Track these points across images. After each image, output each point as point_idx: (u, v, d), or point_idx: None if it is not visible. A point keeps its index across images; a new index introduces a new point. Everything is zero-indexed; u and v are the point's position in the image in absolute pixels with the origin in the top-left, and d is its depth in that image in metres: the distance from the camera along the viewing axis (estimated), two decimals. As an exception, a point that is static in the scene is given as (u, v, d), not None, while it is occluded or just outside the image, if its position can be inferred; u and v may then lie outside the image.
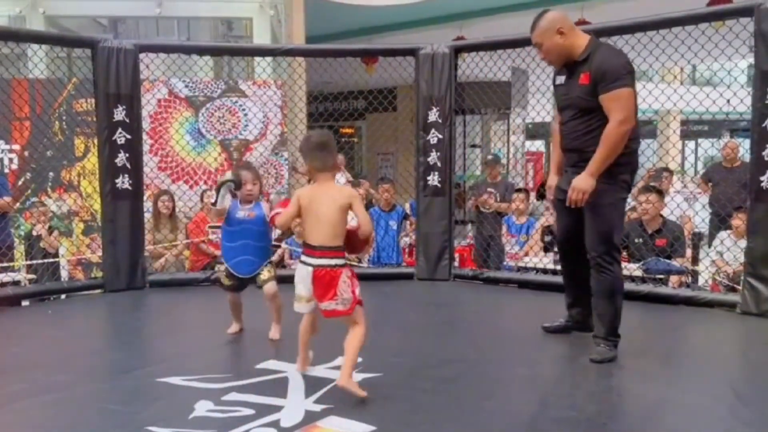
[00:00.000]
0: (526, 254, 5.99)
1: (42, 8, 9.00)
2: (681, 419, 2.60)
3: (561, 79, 3.47)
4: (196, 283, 5.53)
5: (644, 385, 2.96)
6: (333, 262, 2.75)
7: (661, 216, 5.40)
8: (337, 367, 3.13)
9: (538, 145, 18.93)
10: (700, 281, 5.45)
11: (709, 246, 5.93)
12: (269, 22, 9.42)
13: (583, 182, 3.23)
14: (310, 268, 2.77)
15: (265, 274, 3.67)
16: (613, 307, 3.37)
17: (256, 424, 2.45)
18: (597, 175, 3.23)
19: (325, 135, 2.94)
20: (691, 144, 22.97)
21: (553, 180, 3.65)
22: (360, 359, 3.19)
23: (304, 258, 2.82)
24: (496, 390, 2.93)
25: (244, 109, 7.59)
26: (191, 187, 7.40)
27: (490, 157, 7.51)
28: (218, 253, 6.49)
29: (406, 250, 6.90)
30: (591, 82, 3.25)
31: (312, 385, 2.88)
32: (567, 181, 3.40)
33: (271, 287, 3.65)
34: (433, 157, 5.50)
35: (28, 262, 5.84)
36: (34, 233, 6.10)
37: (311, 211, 2.81)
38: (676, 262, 5.16)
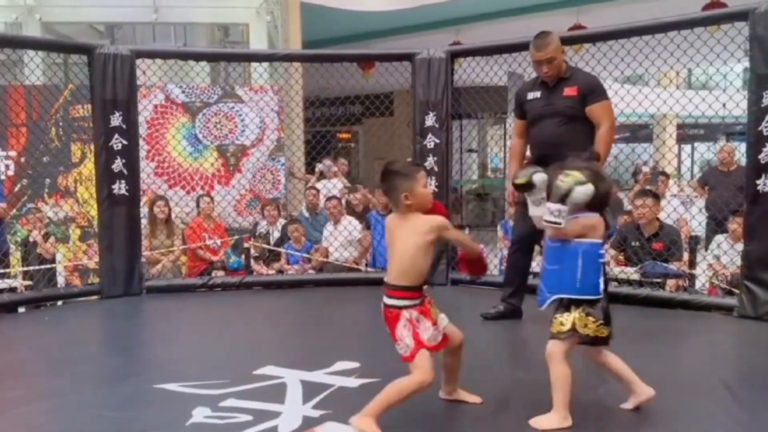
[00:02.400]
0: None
1: (38, 15, 9.01)
2: (679, 422, 2.60)
3: (535, 94, 4.02)
4: (193, 289, 5.52)
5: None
6: (393, 302, 2.49)
7: (658, 220, 5.41)
8: (336, 372, 3.13)
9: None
10: (698, 285, 5.45)
11: (706, 249, 5.93)
12: (266, 27, 9.44)
13: None
14: (382, 306, 2.53)
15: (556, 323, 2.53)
16: None
17: (254, 431, 2.44)
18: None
19: (389, 165, 2.63)
20: (687, 148, 23.02)
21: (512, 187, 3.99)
22: (358, 364, 3.20)
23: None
24: (495, 395, 2.93)
25: (240, 115, 7.59)
26: (188, 192, 7.40)
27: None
28: (215, 258, 6.51)
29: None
30: (579, 94, 3.87)
31: (310, 390, 2.87)
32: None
33: (549, 346, 2.53)
34: (429, 162, 5.51)
35: (25, 269, 5.82)
36: (31, 239, 6.08)
37: (390, 243, 2.57)
38: (674, 266, 5.17)
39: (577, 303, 2.46)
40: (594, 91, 3.88)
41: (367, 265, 6.38)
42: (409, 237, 2.47)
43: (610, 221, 2.52)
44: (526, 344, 3.97)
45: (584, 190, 2.39)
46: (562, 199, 2.40)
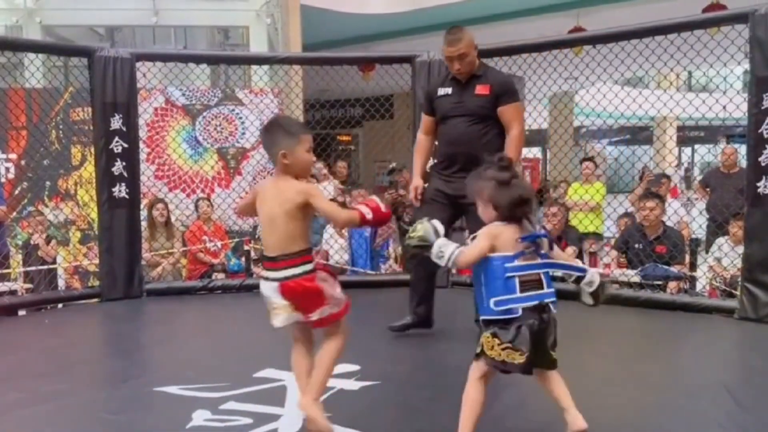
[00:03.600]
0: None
1: (39, 18, 9.03)
2: (679, 425, 2.60)
3: (446, 91, 3.85)
4: (193, 292, 5.51)
5: (643, 390, 2.96)
6: (294, 272, 2.34)
7: (662, 222, 5.40)
8: (336, 375, 3.12)
9: (534, 151, 18.97)
10: (698, 287, 5.45)
11: (707, 252, 5.93)
12: (266, 30, 9.45)
13: None
14: (275, 284, 2.36)
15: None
16: None
17: (254, 433, 2.44)
18: None
19: (273, 118, 2.58)
20: (687, 150, 23.01)
21: (418, 182, 3.93)
22: (358, 367, 3.19)
23: (265, 273, 2.42)
24: (496, 398, 2.92)
25: (240, 117, 7.59)
26: (188, 195, 7.40)
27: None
28: (216, 261, 6.51)
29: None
30: (491, 93, 3.73)
31: (310, 393, 2.86)
32: (455, 187, 3.60)
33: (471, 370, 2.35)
34: (430, 164, 5.50)
35: (25, 269, 5.82)
36: (32, 242, 6.08)
37: (259, 208, 2.44)
38: (674, 268, 5.16)
39: (487, 323, 2.22)
40: (507, 92, 3.76)
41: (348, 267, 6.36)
42: (275, 200, 2.36)
43: (529, 227, 2.23)
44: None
45: (420, 234, 2.28)
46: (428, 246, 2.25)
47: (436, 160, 4.00)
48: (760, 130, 4.18)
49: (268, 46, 9.43)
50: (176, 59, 5.86)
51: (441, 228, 2.32)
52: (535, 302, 2.19)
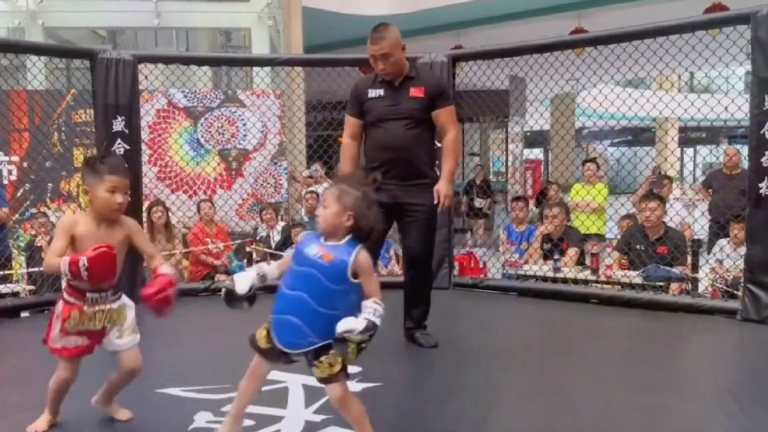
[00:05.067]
0: (526, 262, 5.99)
1: (41, 20, 9.05)
2: (681, 426, 2.59)
3: (377, 92, 3.64)
4: (194, 294, 5.51)
5: (645, 391, 2.95)
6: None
7: (663, 223, 5.40)
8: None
9: (536, 153, 18.99)
10: (700, 288, 5.45)
11: (709, 253, 5.93)
12: (267, 32, 9.46)
13: (450, 189, 3.60)
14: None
15: (324, 366, 2.19)
16: (430, 299, 3.81)
17: (256, 435, 2.44)
18: (452, 182, 3.65)
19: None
20: (689, 151, 23.00)
21: None
22: (359, 368, 3.19)
23: None
24: (498, 400, 2.92)
25: (242, 119, 7.60)
26: (190, 197, 7.41)
27: None
28: (218, 263, 6.51)
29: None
30: (426, 96, 3.57)
31: (312, 395, 2.87)
32: (393, 194, 3.48)
33: (334, 391, 2.22)
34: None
35: (29, 270, 5.82)
36: (36, 244, 6.09)
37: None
38: (676, 270, 5.16)
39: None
40: (442, 94, 3.63)
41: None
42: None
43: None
44: (527, 348, 3.96)
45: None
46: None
47: (366, 166, 3.74)
48: (761, 131, 4.18)
49: (270, 48, 9.44)
50: (178, 61, 5.86)
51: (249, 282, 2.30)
52: None
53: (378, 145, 3.66)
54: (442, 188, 3.57)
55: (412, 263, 3.76)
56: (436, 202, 3.55)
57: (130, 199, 2.48)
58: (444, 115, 3.62)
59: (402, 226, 3.72)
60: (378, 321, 2.12)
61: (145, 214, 6.24)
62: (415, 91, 3.58)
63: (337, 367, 2.17)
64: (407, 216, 3.62)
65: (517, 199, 6.87)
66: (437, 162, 3.82)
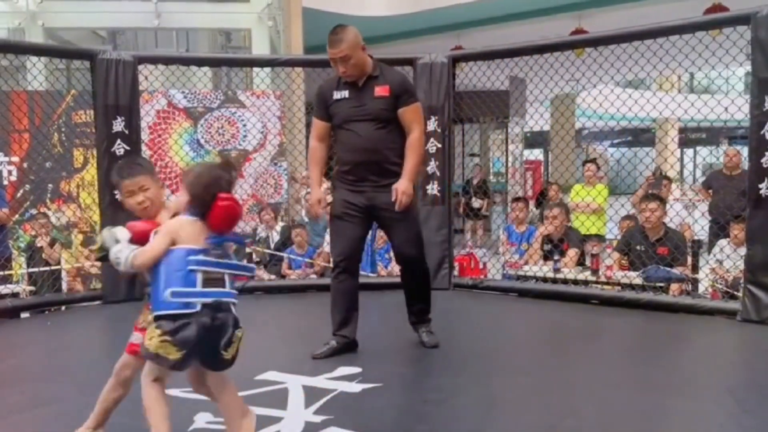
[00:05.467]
0: (526, 263, 5.99)
1: (41, 21, 9.05)
2: (681, 427, 2.59)
3: (343, 94, 3.58)
4: (195, 294, 5.50)
5: (645, 392, 2.95)
6: None
7: (663, 224, 5.40)
8: (338, 377, 3.13)
9: (536, 153, 18.98)
10: (701, 289, 5.44)
11: (709, 254, 5.93)
12: (268, 32, 9.46)
13: (409, 187, 3.50)
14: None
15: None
16: (430, 296, 3.79)
17: (256, 436, 2.44)
18: (414, 181, 3.56)
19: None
20: (689, 152, 23.00)
21: (319, 194, 3.69)
22: (360, 369, 3.20)
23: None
24: (498, 400, 2.92)
25: (242, 120, 7.60)
26: (190, 197, 7.39)
27: None
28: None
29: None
30: (391, 94, 3.51)
31: (312, 396, 2.87)
32: (367, 196, 3.53)
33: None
34: (432, 166, 5.50)
35: (29, 270, 5.82)
36: (37, 245, 6.08)
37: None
38: (676, 270, 5.16)
39: (159, 317, 2.15)
40: (406, 92, 3.56)
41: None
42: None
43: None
44: (527, 348, 3.95)
45: (99, 244, 2.27)
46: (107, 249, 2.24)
47: (338, 169, 3.72)
48: (761, 132, 4.18)
49: (270, 49, 9.45)
50: (178, 62, 5.86)
51: (123, 234, 2.26)
52: (212, 299, 2.14)
53: (347, 148, 3.61)
54: (400, 185, 3.48)
55: (402, 263, 3.75)
56: (393, 199, 3.47)
57: (149, 194, 2.46)
58: (409, 114, 3.54)
59: (384, 228, 3.72)
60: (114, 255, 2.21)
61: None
62: (379, 90, 3.52)
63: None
64: (385, 218, 3.60)
65: (517, 199, 6.88)
66: None
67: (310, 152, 3.76)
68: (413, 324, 3.79)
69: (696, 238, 6.31)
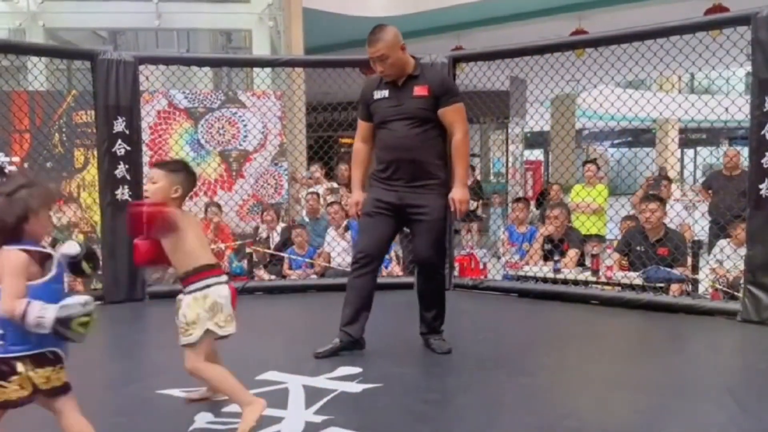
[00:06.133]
0: (527, 263, 5.99)
1: (41, 21, 9.05)
2: (681, 427, 2.59)
3: (383, 93, 3.58)
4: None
5: (645, 392, 2.96)
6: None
7: (663, 224, 5.40)
8: (338, 378, 3.13)
9: (537, 154, 18.98)
10: (701, 289, 5.45)
11: (709, 254, 5.92)
12: (268, 33, 9.46)
13: (465, 194, 3.53)
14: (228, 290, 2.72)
15: None
16: (444, 304, 3.73)
17: (257, 436, 2.44)
18: (467, 185, 3.58)
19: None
20: (689, 152, 22.99)
21: (359, 196, 3.70)
22: (360, 369, 3.20)
23: (218, 279, 2.75)
24: (499, 401, 2.93)
25: (243, 120, 7.60)
26: (191, 198, 7.39)
27: None
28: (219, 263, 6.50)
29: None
30: (431, 94, 3.48)
31: (312, 396, 2.87)
32: (399, 195, 3.52)
33: None
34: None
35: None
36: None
37: (197, 232, 2.82)
38: (676, 271, 5.16)
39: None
40: (448, 92, 3.52)
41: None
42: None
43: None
44: (527, 348, 3.96)
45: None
46: None
47: (375, 168, 3.70)
48: (762, 132, 4.18)
49: (271, 49, 9.45)
50: (179, 62, 5.88)
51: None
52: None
53: (384, 146, 3.61)
54: (456, 195, 3.50)
55: (421, 267, 3.73)
56: (453, 209, 3.51)
57: (154, 185, 2.73)
58: (450, 114, 3.50)
59: (411, 229, 3.68)
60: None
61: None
62: (419, 90, 3.50)
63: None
64: (413, 218, 3.55)
65: (518, 200, 6.88)
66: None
67: (354, 154, 3.77)
68: (423, 335, 3.73)
69: (696, 238, 6.31)
